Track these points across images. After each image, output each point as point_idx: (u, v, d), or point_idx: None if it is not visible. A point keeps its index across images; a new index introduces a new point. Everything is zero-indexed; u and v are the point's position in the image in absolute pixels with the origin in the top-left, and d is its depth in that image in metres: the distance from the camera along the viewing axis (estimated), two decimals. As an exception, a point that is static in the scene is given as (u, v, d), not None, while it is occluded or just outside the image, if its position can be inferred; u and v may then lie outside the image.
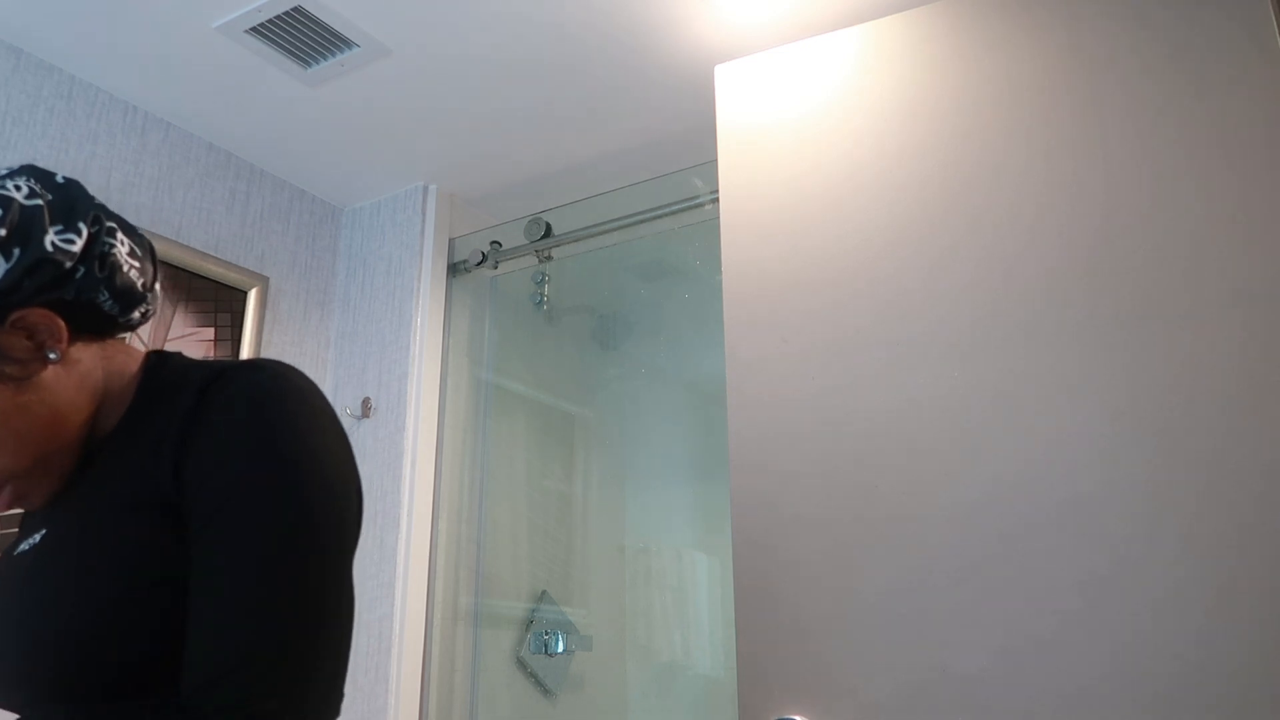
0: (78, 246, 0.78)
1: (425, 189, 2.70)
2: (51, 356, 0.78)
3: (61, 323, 0.78)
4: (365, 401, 2.63)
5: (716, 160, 1.65)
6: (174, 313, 2.32)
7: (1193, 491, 1.19)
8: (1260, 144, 1.25)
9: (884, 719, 1.28)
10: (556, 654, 2.59)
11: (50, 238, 0.76)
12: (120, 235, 0.84)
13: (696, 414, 2.85)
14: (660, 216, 2.37)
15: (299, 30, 2.04)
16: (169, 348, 2.28)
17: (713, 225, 1.66)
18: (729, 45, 2.06)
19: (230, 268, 2.46)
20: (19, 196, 0.76)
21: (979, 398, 1.34)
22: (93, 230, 0.80)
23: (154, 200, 2.34)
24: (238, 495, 0.70)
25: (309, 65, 2.16)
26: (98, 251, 0.81)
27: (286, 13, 1.98)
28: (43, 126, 2.14)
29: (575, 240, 2.55)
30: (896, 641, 1.30)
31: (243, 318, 2.48)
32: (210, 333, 2.40)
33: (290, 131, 2.44)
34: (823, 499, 1.40)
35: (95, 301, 0.81)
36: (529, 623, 2.60)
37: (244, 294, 2.49)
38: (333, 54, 2.12)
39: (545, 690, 2.57)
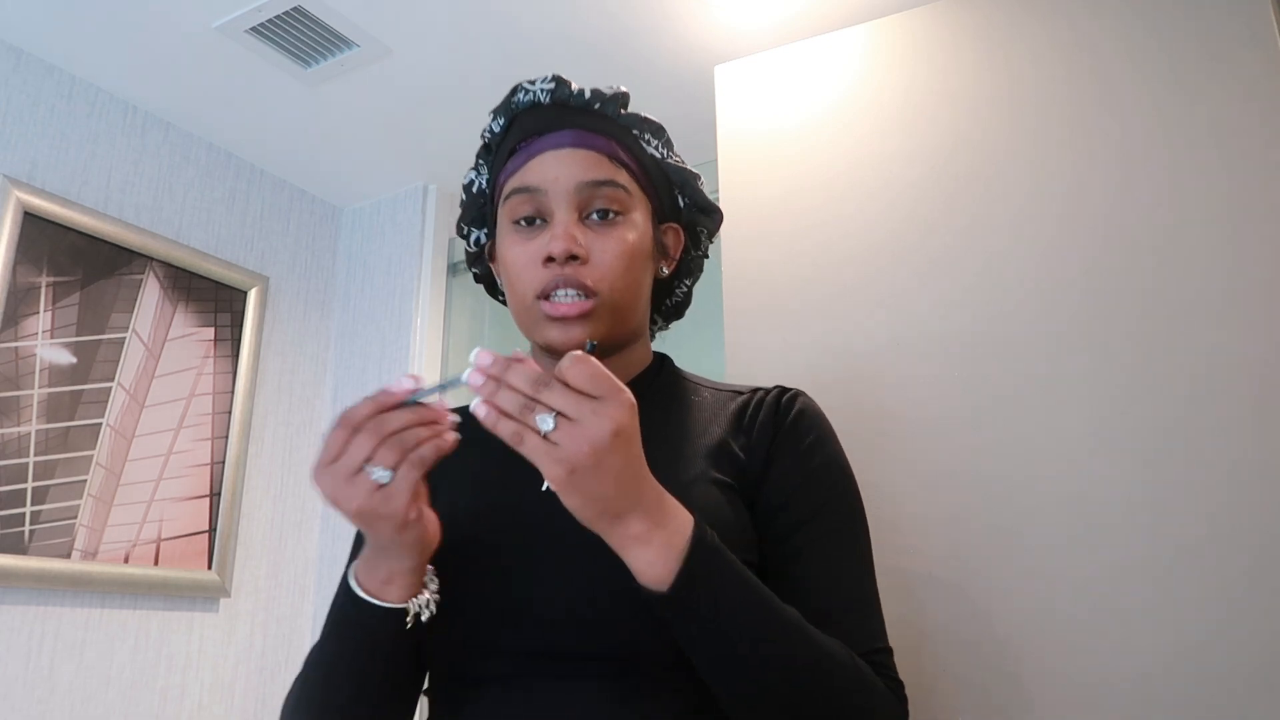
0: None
1: (425, 189, 2.70)
2: (664, 270, 0.94)
3: (679, 249, 0.96)
4: (365, 401, 2.63)
5: (716, 160, 1.65)
6: (174, 312, 2.32)
7: (1193, 492, 1.19)
8: (1261, 143, 1.25)
9: (884, 719, 1.28)
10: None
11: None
12: None
13: (696, 414, 2.84)
14: (660, 216, 2.37)
15: (299, 30, 2.04)
16: (169, 347, 2.29)
17: (713, 225, 1.65)
18: (729, 46, 2.06)
19: (230, 268, 2.46)
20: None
21: (979, 398, 1.34)
22: None
23: (154, 200, 2.34)
24: (834, 494, 0.87)
25: (309, 65, 2.16)
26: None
27: (286, 13, 1.98)
28: (43, 126, 2.14)
29: (575, 240, 2.54)
30: (896, 641, 1.30)
31: (243, 318, 2.48)
32: (210, 333, 2.40)
33: (290, 131, 2.44)
34: (822, 499, 1.40)
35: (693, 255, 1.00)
36: (529, 623, 2.59)
37: (244, 294, 2.49)
38: (333, 54, 2.12)
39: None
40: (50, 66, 2.17)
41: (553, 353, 0.84)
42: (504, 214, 0.87)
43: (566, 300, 0.81)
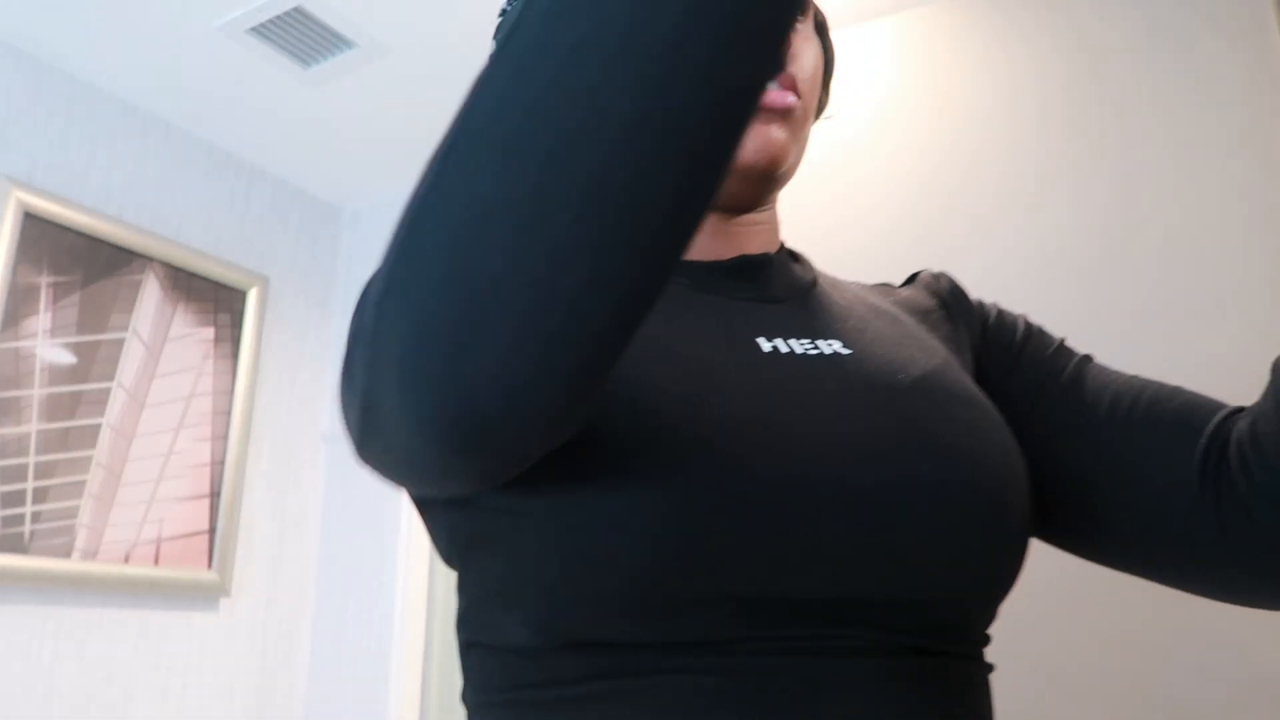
0: None
1: (425, 189, 2.70)
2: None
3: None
4: (365, 401, 2.63)
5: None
6: (174, 312, 2.32)
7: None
8: (1263, 142, 1.25)
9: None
10: (556, 654, 2.59)
11: None
12: None
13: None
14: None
15: (299, 30, 2.04)
16: (168, 348, 2.29)
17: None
18: (729, 45, 2.06)
19: (230, 268, 2.46)
20: None
21: (979, 398, 1.34)
22: None
23: (154, 200, 2.34)
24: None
25: (309, 65, 2.16)
26: None
27: (286, 13, 1.99)
28: (43, 126, 2.14)
29: (575, 240, 2.55)
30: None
31: (242, 318, 2.48)
32: (210, 332, 2.40)
33: (290, 131, 2.44)
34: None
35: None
36: (529, 623, 2.60)
37: (244, 294, 2.49)
38: (333, 54, 2.12)
39: (545, 690, 2.57)
40: (50, 66, 2.17)
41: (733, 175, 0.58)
42: None
43: (774, 89, 0.57)
